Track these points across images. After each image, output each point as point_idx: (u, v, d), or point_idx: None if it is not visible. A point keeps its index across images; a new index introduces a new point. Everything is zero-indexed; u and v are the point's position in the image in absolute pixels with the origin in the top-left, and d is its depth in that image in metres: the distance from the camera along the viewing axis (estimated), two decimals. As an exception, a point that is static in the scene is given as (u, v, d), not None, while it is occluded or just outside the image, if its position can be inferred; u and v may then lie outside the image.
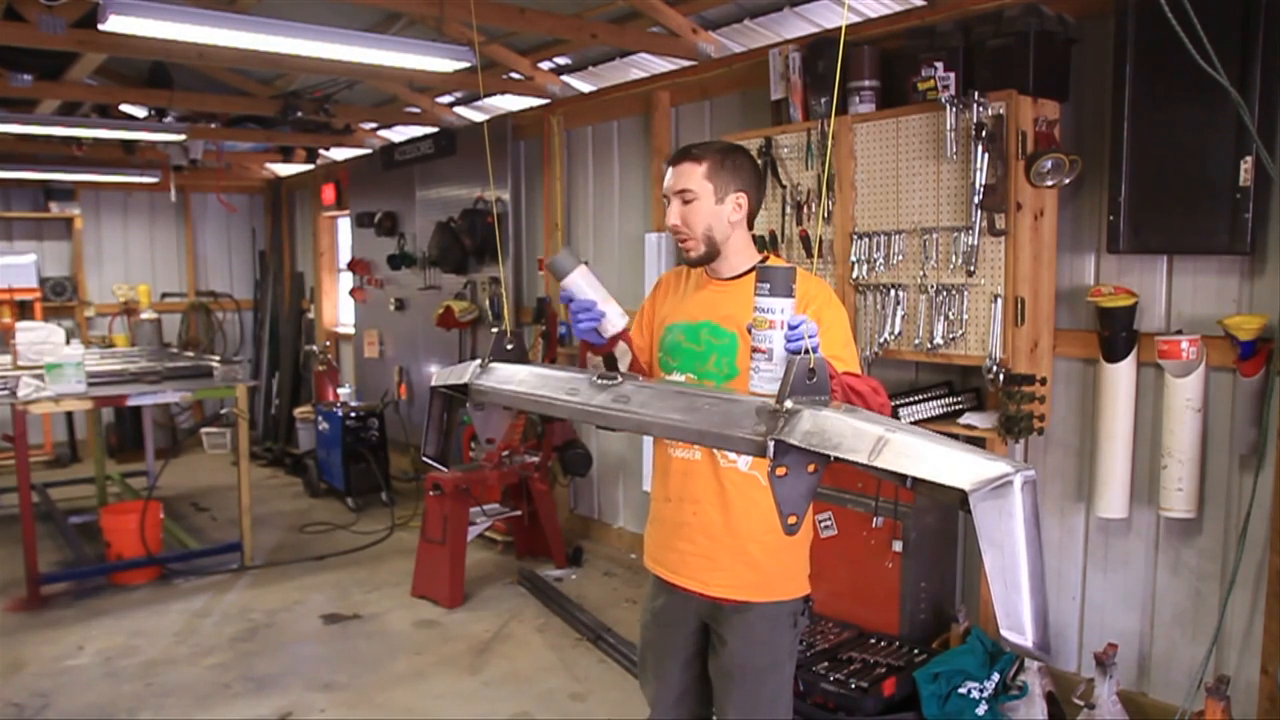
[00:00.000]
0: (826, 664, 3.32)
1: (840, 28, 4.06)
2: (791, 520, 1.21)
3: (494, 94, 5.92)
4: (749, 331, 1.54)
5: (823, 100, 3.72)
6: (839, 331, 2.03)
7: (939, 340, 3.35)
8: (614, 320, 1.90)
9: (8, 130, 6.09)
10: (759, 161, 3.86)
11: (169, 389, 5.10)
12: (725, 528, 2.06)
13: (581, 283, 1.89)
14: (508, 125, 5.94)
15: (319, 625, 4.46)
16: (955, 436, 2.61)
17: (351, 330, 8.24)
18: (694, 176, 2.05)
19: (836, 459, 1.13)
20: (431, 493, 4.74)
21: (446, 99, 6.45)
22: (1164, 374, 3.01)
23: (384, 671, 3.93)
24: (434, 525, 4.71)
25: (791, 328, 1.49)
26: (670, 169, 2.09)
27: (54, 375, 4.69)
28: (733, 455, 2.03)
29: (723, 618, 2.10)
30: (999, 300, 3.19)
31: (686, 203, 2.05)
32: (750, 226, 2.12)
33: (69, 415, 8.07)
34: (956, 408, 3.50)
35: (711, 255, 2.08)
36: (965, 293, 3.29)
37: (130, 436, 8.05)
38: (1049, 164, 3.07)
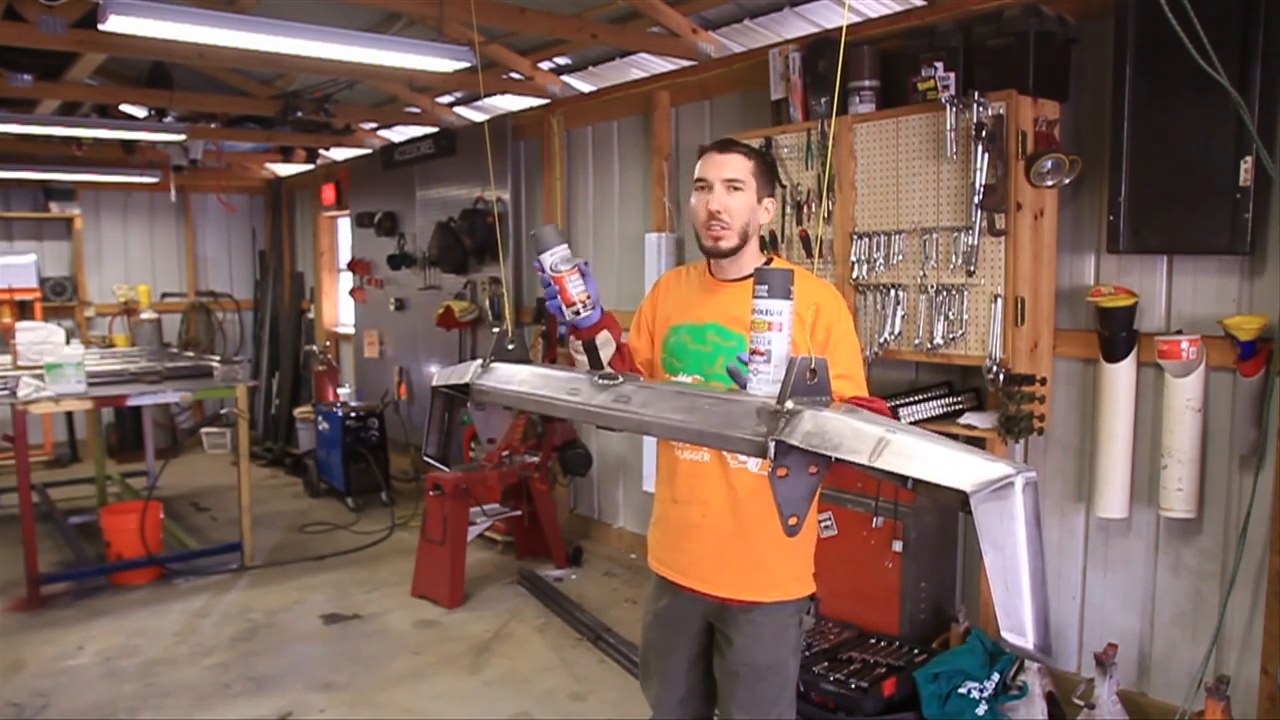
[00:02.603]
0: (826, 664, 3.32)
1: (840, 28, 4.06)
2: (792, 521, 1.21)
3: (494, 94, 5.92)
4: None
5: (823, 100, 3.71)
6: (848, 348, 2.03)
7: (939, 340, 3.35)
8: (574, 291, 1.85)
9: (8, 130, 6.09)
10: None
11: (169, 389, 5.10)
12: (735, 529, 2.06)
13: (549, 261, 1.84)
14: (508, 125, 5.94)
15: (319, 625, 4.46)
16: (955, 436, 2.61)
17: (351, 330, 8.24)
18: (744, 169, 2.04)
19: (837, 460, 1.13)
20: (431, 493, 4.74)
21: (446, 99, 6.45)
22: (1164, 374, 3.01)
23: (384, 671, 3.93)
24: (434, 525, 4.71)
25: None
26: (716, 155, 2.06)
27: (54, 375, 4.69)
28: (743, 456, 2.01)
29: (729, 618, 2.11)
30: (999, 300, 3.19)
31: (734, 190, 2.03)
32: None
33: (69, 415, 8.07)
34: (956, 408, 3.50)
35: (737, 250, 2.07)
36: (965, 293, 3.29)
37: (130, 436, 8.05)
38: (1049, 164, 3.07)
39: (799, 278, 1.82)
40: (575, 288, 1.85)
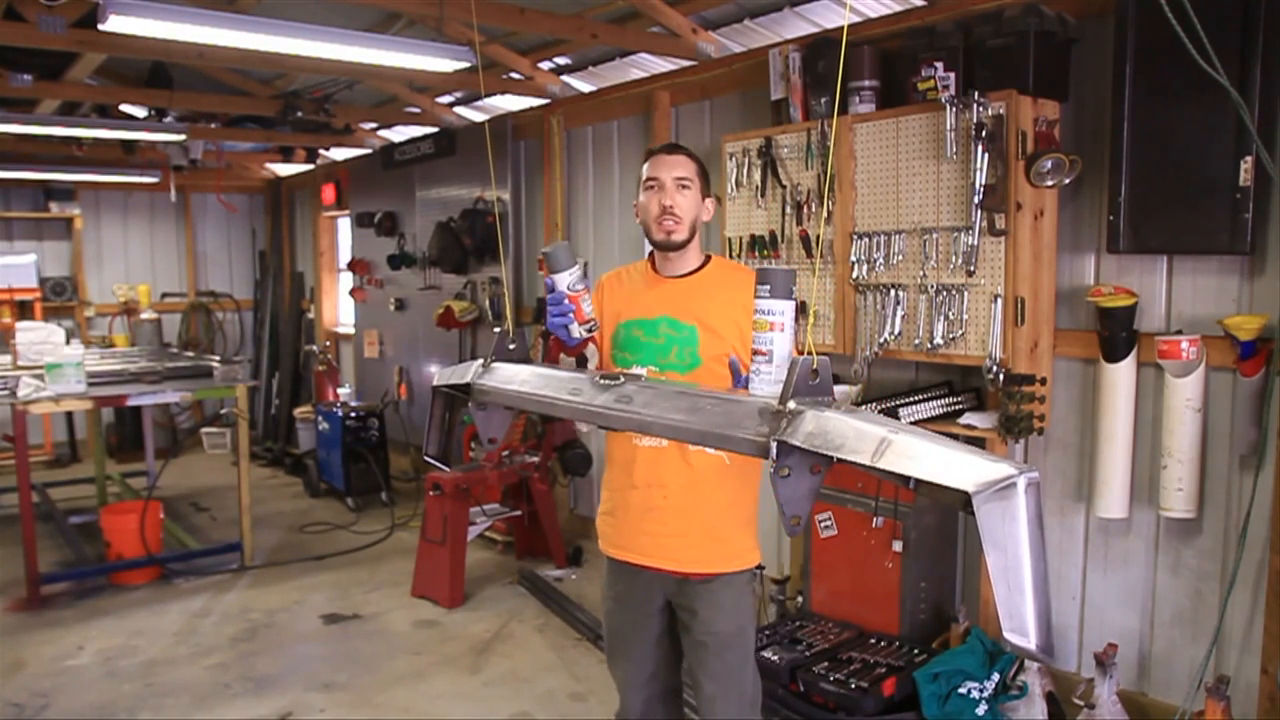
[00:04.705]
0: (826, 664, 3.32)
1: (840, 28, 4.06)
2: (794, 521, 1.21)
3: (494, 94, 5.92)
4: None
5: (823, 100, 3.71)
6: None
7: (939, 340, 3.35)
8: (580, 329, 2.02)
9: (8, 130, 6.08)
10: (760, 162, 3.90)
11: (169, 389, 5.10)
12: (695, 507, 2.22)
13: (566, 281, 1.97)
14: (508, 125, 5.94)
15: (319, 625, 4.46)
16: (955, 436, 2.61)
17: (351, 330, 8.24)
18: (690, 169, 2.25)
19: (839, 460, 1.14)
20: (431, 493, 4.74)
21: (446, 99, 6.45)
22: (1164, 374, 3.01)
23: (384, 671, 3.93)
24: (434, 525, 4.71)
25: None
26: (664, 156, 2.25)
27: (54, 375, 4.69)
28: None
29: (691, 591, 2.25)
30: (999, 300, 3.19)
31: (683, 187, 2.22)
32: None
33: (69, 415, 8.07)
34: (956, 408, 3.50)
35: (686, 244, 2.25)
36: (965, 293, 3.29)
37: (130, 436, 8.05)
38: (1049, 164, 3.07)
39: (742, 272, 2.25)
40: (587, 306, 2.02)
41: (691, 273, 2.28)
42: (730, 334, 2.19)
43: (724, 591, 2.24)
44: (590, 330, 2.03)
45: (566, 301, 1.98)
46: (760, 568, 2.36)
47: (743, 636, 2.30)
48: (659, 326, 2.24)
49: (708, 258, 2.32)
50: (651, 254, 2.34)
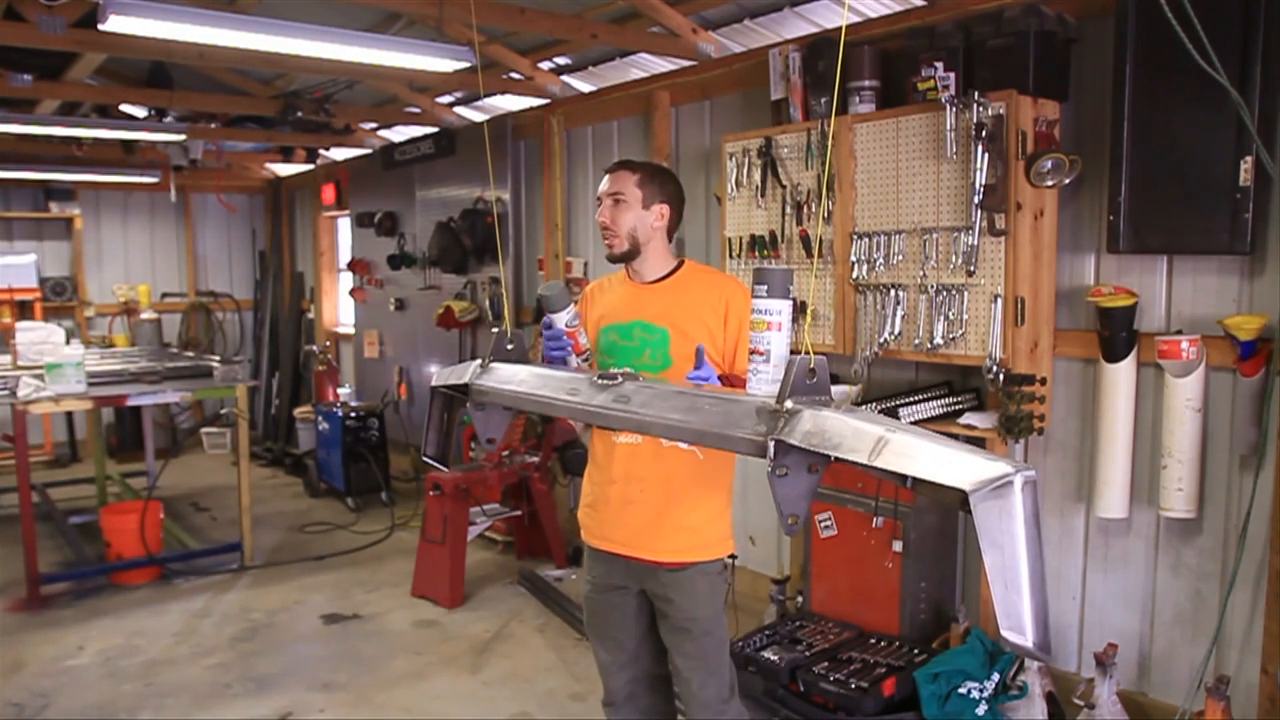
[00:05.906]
0: (826, 664, 3.32)
1: (840, 28, 4.06)
2: (791, 520, 1.21)
3: (494, 94, 5.92)
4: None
5: (823, 100, 3.71)
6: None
7: (939, 340, 3.35)
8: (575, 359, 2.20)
9: (8, 130, 6.09)
10: (760, 162, 3.90)
11: (169, 389, 5.10)
12: (668, 499, 2.31)
13: (565, 319, 2.16)
14: (508, 125, 5.94)
15: (319, 625, 4.46)
16: (955, 436, 2.61)
17: (351, 330, 8.24)
18: (627, 183, 2.36)
19: (837, 459, 1.13)
20: (431, 493, 4.74)
21: (446, 99, 6.45)
22: (1164, 374, 3.01)
23: (384, 671, 3.93)
24: (434, 525, 4.71)
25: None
26: (606, 176, 2.40)
27: (54, 375, 4.69)
28: None
29: (667, 579, 2.34)
30: (999, 300, 3.19)
31: (618, 202, 2.34)
32: (670, 238, 2.43)
33: (69, 415, 8.07)
34: (956, 408, 3.50)
35: (632, 254, 2.38)
36: (965, 293, 3.29)
37: (130, 436, 8.05)
38: (1049, 164, 3.07)
39: (713, 275, 2.43)
40: (583, 338, 2.18)
41: (664, 278, 2.39)
42: (700, 335, 2.30)
43: (699, 579, 2.34)
44: (585, 360, 2.18)
45: (565, 338, 2.15)
46: (733, 556, 2.47)
47: (719, 623, 2.40)
48: (633, 330, 2.35)
49: (681, 262, 2.42)
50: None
